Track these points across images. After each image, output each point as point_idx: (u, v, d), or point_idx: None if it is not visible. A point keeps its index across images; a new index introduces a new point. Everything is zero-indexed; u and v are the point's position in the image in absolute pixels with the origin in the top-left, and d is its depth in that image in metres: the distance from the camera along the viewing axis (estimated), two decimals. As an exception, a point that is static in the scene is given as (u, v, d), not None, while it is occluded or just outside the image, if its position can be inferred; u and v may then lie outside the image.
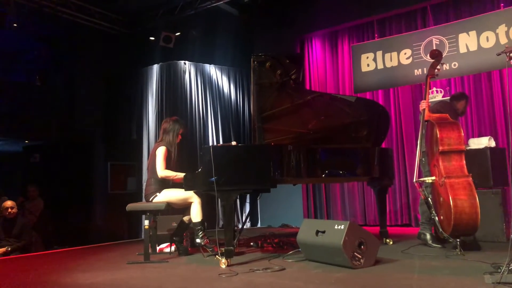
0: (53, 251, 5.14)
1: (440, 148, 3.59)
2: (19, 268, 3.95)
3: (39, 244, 5.62)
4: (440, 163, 3.60)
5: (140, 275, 3.28)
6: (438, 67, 4.00)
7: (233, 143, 4.06)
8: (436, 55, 4.02)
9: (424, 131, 3.86)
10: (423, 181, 3.79)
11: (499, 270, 2.56)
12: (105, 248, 5.05)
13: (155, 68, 7.49)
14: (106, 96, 8.04)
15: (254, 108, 4.07)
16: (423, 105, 3.86)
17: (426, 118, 3.80)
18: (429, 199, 3.72)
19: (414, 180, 3.78)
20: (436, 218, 3.64)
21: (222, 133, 7.50)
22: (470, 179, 3.54)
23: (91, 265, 3.88)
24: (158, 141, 4.25)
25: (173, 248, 4.31)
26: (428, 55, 4.14)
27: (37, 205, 6.33)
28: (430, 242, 3.94)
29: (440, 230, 3.60)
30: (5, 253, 4.96)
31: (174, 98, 7.26)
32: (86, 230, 6.95)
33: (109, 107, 7.98)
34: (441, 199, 3.60)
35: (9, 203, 5.26)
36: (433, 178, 3.68)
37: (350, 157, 4.30)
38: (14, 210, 5.25)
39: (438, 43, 5.90)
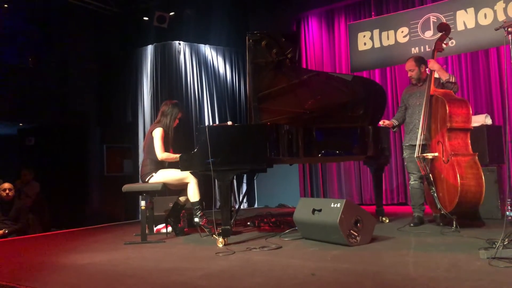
0: (50, 233, 5.15)
1: (448, 125, 3.55)
2: (16, 250, 3.96)
3: (36, 226, 5.63)
4: (446, 140, 3.56)
5: (138, 255, 3.30)
6: (446, 41, 3.94)
7: (229, 123, 4.04)
8: (444, 28, 3.94)
9: (428, 107, 3.73)
10: (425, 156, 3.70)
11: (494, 246, 2.58)
12: (102, 230, 5.07)
13: (150, 48, 7.38)
14: (100, 77, 7.93)
15: (250, 87, 4.03)
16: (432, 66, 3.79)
17: (431, 92, 3.74)
18: (430, 175, 3.69)
19: (416, 156, 3.75)
20: (435, 195, 3.63)
21: (218, 113, 7.46)
22: (476, 158, 3.55)
23: (88, 246, 3.89)
24: (155, 122, 4.22)
25: (169, 229, 4.32)
26: (436, 28, 4.06)
27: (33, 188, 6.31)
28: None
29: (439, 206, 3.60)
30: (2, 236, 4.97)
31: (169, 79, 7.18)
32: (83, 213, 6.95)
33: (104, 89, 7.89)
34: (442, 176, 3.59)
35: (6, 185, 5.24)
36: (436, 154, 3.65)
37: (347, 136, 4.29)
38: (12, 193, 5.23)
39: (435, 20, 5.83)
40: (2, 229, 5.04)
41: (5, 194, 5.17)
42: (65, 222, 5.99)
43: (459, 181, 3.41)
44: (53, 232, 5.24)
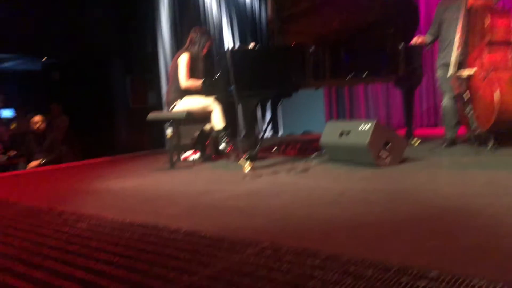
0: (83, 162, 5.31)
1: (489, 37, 3.31)
2: (53, 177, 4.12)
3: (69, 157, 5.81)
4: (486, 54, 3.33)
5: (168, 179, 3.37)
6: None
7: (251, 44, 3.84)
8: None
9: (465, 20, 3.44)
10: (461, 73, 3.47)
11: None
12: (132, 159, 5.20)
13: (166, -28, 7.02)
14: (117, 7, 7.69)
15: (272, 7, 3.79)
16: None
17: (469, 4, 3.44)
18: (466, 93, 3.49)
19: (449, 75, 3.54)
20: (471, 112, 3.46)
21: (239, 38, 7.22)
22: None
23: (120, 172, 4.00)
24: (183, 48, 4.09)
25: (196, 156, 4.36)
26: None
27: (62, 121, 6.45)
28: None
29: (474, 125, 3.44)
30: (39, 165, 5.19)
31: (187, 5, 6.90)
32: (111, 145, 7.10)
33: (121, 19, 7.68)
34: (479, 94, 3.40)
35: (37, 118, 5.38)
36: (474, 70, 3.41)
37: (376, 57, 4.07)
38: (43, 125, 5.39)
39: None
40: (39, 159, 5.25)
41: (36, 127, 5.31)
42: (95, 153, 6.14)
43: (497, 97, 3.21)
44: (86, 161, 5.40)
